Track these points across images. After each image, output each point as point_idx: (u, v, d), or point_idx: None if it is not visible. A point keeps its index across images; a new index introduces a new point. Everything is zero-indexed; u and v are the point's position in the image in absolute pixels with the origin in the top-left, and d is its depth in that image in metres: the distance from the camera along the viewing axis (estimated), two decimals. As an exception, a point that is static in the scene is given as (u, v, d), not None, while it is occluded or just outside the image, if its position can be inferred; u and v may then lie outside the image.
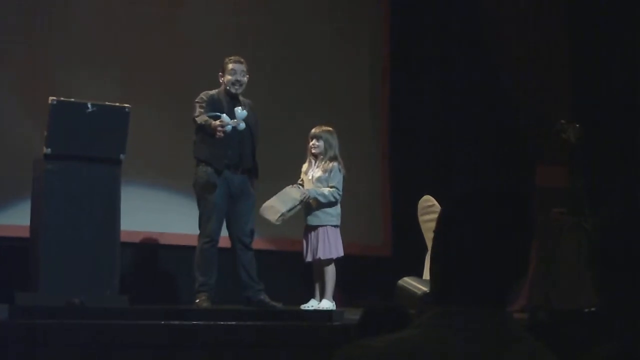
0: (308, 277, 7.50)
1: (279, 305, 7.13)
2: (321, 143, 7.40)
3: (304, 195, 7.28)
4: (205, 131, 7.03)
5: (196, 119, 7.07)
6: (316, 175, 7.39)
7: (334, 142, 7.43)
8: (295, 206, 7.27)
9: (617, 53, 8.93)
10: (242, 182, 7.22)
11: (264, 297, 7.13)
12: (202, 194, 7.16)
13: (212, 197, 7.10)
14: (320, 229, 7.33)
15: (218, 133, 6.92)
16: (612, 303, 2.10)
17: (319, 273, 7.40)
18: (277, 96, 8.73)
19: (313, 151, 7.42)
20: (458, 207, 1.83)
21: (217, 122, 6.94)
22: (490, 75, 9.38)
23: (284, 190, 7.32)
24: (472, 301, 1.74)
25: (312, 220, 7.36)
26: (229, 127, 6.92)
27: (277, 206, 7.27)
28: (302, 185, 7.45)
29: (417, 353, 1.67)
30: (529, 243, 1.80)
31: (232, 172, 7.15)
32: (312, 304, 7.31)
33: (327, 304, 7.25)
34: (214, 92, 7.23)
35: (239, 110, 6.99)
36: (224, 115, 6.96)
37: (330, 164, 7.38)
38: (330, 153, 7.40)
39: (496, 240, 1.77)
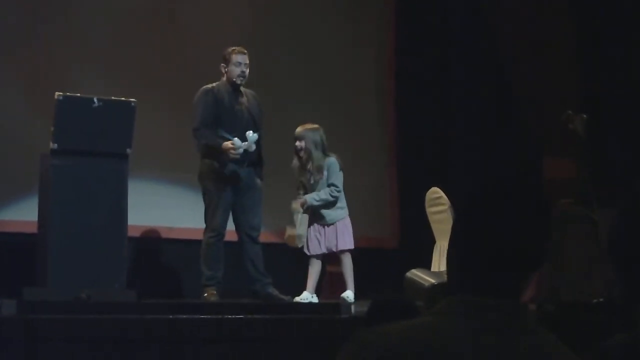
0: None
1: (287, 298, 7.13)
2: (303, 143, 7.32)
3: (304, 205, 7.29)
4: (213, 150, 7.06)
5: (200, 138, 7.10)
6: (315, 179, 7.34)
7: (318, 138, 7.33)
8: (303, 219, 7.29)
9: (624, 42, 8.89)
10: (248, 176, 7.21)
11: (271, 290, 7.13)
12: (207, 187, 7.16)
13: (217, 190, 7.10)
14: (338, 223, 7.34)
15: (232, 156, 6.94)
16: (631, 291, 2.09)
17: (324, 265, 7.41)
18: (281, 90, 8.71)
19: (299, 154, 7.38)
20: (476, 197, 1.82)
21: (229, 145, 6.95)
22: (496, 67, 9.35)
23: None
24: (487, 291, 1.74)
25: (325, 219, 7.35)
26: (240, 151, 6.95)
27: (290, 233, 7.32)
28: (304, 187, 7.40)
29: (431, 339, 1.68)
30: (548, 233, 1.80)
31: (238, 165, 7.14)
32: (306, 297, 7.27)
33: (350, 295, 7.23)
34: (213, 85, 7.20)
35: (250, 134, 7.01)
36: (236, 139, 6.97)
37: (325, 161, 7.34)
38: (317, 152, 7.32)
39: (515, 230, 1.77)
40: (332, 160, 7.34)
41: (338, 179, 7.34)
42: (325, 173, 7.32)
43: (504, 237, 1.76)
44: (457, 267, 1.80)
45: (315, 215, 7.35)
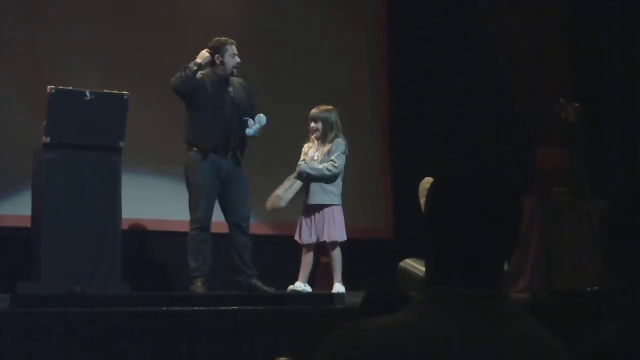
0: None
1: (270, 289, 7.11)
2: (319, 124, 7.35)
3: (297, 172, 7.27)
4: (188, 77, 7.09)
5: (175, 82, 7.13)
6: (319, 156, 7.34)
7: (333, 119, 7.36)
8: (292, 185, 7.27)
9: (616, 30, 8.90)
10: (232, 166, 7.18)
11: (255, 281, 7.11)
12: (189, 178, 7.15)
13: (198, 181, 7.08)
14: (326, 209, 7.28)
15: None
16: (622, 280, 2.09)
17: (318, 255, 7.39)
18: (275, 82, 8.70)
19: (313, 135, 7.38)
20: (444, 188, 1.81)
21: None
22: (489, 56, 9.35)
23: None
24: (463, 282, 1.73)
25: (314, 198, 7.28)
26: (250, 131, 6.99)
27: (274, 193, 7.30)
28: (306, 159, 7.41)
29: (409, 335, 1.66)
30: (518, 221, 1.79)
31: (220, 155, 7.12)
32: (299, 286, 7.26)
33: (340, 288, 7.21)
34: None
35: (262, 116, 7.03)
36: (250, 120, 7.04)
37: (333, 142, 7.33)
38: (331, 134, 7.34)
39: (483, 219, 1.75)
40: (340, 140, 7.33)
41: (339, 158, 7.30)
42: (328, 156, 7.30)
43: (473, 226, 1.74)
44: (431, 258, 1.79)
45: (305, 191, 7.32)
